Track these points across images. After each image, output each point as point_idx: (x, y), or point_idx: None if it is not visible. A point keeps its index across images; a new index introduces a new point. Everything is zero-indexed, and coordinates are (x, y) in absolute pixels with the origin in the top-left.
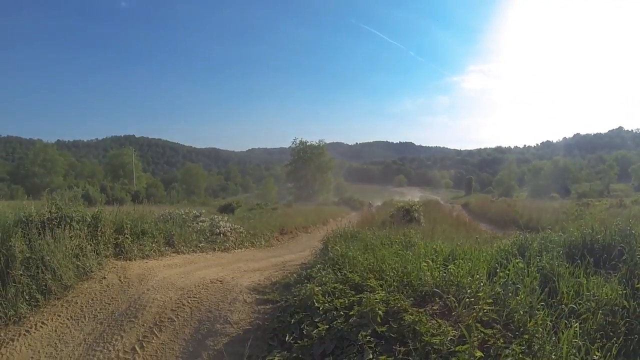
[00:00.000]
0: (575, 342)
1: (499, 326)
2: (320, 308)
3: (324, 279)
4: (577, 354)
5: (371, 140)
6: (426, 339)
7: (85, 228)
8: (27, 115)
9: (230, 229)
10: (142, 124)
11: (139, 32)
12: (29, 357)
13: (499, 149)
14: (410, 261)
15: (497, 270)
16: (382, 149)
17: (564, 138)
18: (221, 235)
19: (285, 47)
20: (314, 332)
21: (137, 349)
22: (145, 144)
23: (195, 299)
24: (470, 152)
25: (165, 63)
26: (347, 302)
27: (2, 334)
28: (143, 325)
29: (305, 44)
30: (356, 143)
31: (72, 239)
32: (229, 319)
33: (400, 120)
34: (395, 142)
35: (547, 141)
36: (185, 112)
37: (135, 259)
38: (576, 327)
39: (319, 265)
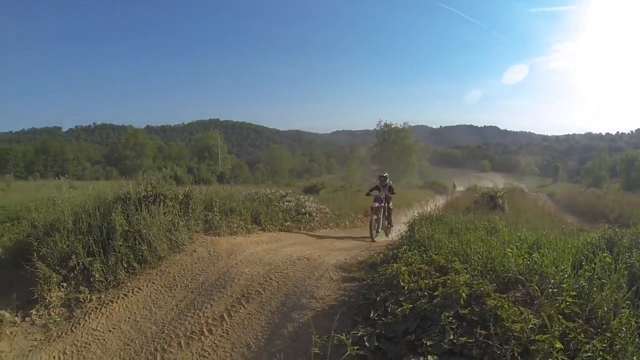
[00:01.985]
0: None
1: (580, 320)
2: (405, 287)
3: (409, 259)
4: None
5: (455, 124)
6: (507, 324)
7: (178, 205)
8: (118, 103)
9: (316, 209)
10: (226, 108)
11: (219, 20)
12: (126, 317)
13: (588, 136)
14: (495, 247)
15: (583, 263)
16: (466, 132)
17: None
18: (307, 215)
19: (366, 28)
20: (398, 310)
21: (225, 317)
22: (229, 127)
23: (282, 274)
24: (557, 138)
25: (246, 47)
26: (431, 283)
27: (103, 296)
28: (231, 296)
29: (385, 24)
30: (440, 126)
31: (166, 214)
32: (315, 294)
33: (484, 103)
34: (479, 125)
35: None
36: (269, 95)
37: (223, 235)
38: None
39: (405, 247)
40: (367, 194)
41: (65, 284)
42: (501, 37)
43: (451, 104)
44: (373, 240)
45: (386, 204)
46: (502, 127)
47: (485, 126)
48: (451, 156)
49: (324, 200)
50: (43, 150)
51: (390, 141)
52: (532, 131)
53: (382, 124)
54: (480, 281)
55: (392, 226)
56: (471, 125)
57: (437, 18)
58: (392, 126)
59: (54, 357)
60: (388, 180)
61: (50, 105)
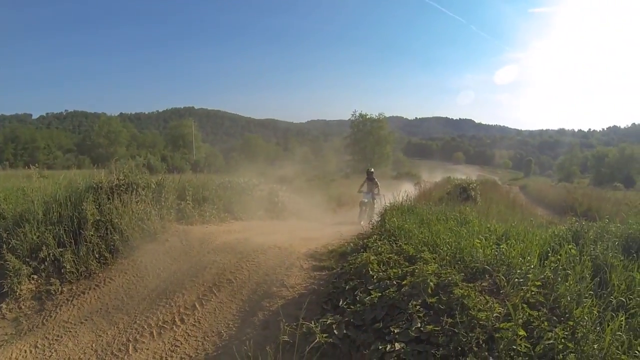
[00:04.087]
0: (620, 335)
1: (545, 309)
2: (375, 276)
3: (379, 249)
4: (620, 347)
5: (430, 116)
6: (473, 313)
7: (150, 194)
8: (90, 90)
9: (289, 199)
10: (201, 96)
11: (196, 6)
12: (98, 308)
13: (561, 132)
14: (464, 238)
15: (549, 254)
16: (442, 125)
17: (633, 124)
18: (279, 204)
19: (344, 19)
20: (367, 299)
21: (197, 305)
22: (204, 115)
23: (253, 263)
24: (531, 133)
25: (222, 36)
26: (400, 272)
27: (74, 287)
28: (203, 284)
29: (363, 15)
30: (415, 118)
31: (138, 203)
32: (285, 282)
33: (460, 96)
34: (454, 118)
35: (614, 126)
36: (244, 84)
37: (196, 224)
38: (622, 320)
39: (375, 236)
40: (359, 192)
41: (35, 276)
42: (480, 32)
43: (428, 97)
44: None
45: (372, 199)
46: (477, 121)
47: (460, 119)
48: (425, 147)
49: (298, 190)
50: (12, 139)
51: (365, 131)
52: (506, 125)
53: (357, 114)
54: (449, 271)
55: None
56: (446, 117)
57: (415, 11)
58: (367, 117)
59: (26, 351)
60: (374, 175)
61: (20, 92)
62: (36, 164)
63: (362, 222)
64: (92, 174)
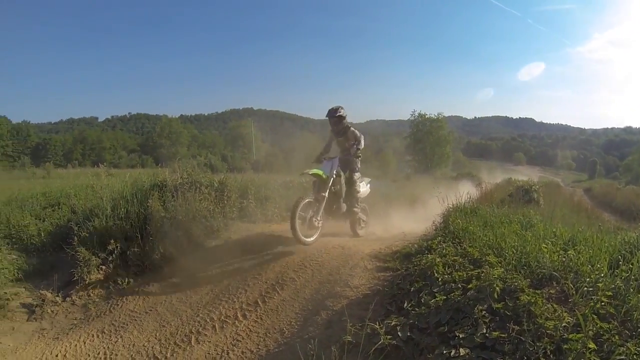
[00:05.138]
0: None
1: (615, 322)
2: (440, 279)
3: (444, 251)
4: None
5: (490, 115)
6: (540, 321)
7: (213, 192)
8: (153, 93)
9: None
10: (260, 97)
11: (259, 10)
12: (162, 300)
13: (628, 130)
14: (530, 242)
15: (620, 262)
16: (501, 124)
17: None
18: None
19: (402, 19)
20: (432, 301)
21: (260, 302)
22: (263, 116)
23: (317, 262)
24: (595, 132)
25: (282, 38)
26: (465, 275)
27: (140, 279)
28: (266, 282)
29: (418, 15)
30: (475, 117)
31: (201, 202)
32: (349, 282)
33: (519, 94)
34: (514, 117)
35: None
36: (303, 85)
37: (258, 222)
38: None
39: (439, 238)
40: (315, 162)
41: (104, 267)
42: (537, 26)
43: (487, 95)
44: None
45: (342, 173)
46: (538, 119)
47: (520, 118)
48: (485, 147)
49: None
50: (81, 140)
51: (424, 132)
52: (568, 123)
53: (416, 114)
54: (515, 276)
55: (361, 217)
56: (506, 116)
57: (475, 8)
58: (426, 116)
59: (93, 336)
60: (346, 121)
61: (87, 97)
62: (103, 163)
63: (304, 238)
64: (156, 172)
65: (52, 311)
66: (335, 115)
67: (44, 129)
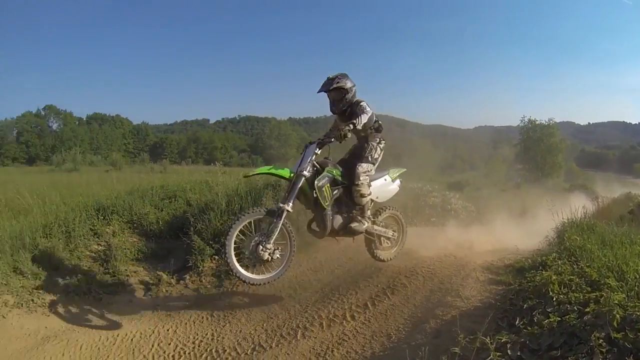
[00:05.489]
0: None
1: None
2: (555, 298)
3: (560, 268)
4: None
5: (605, 120)
6: None
7: None
8: (261, 96)
9: (462, 207)
10: (368, 100)
11: (366, 16)
12: (272, 294)
13: None
14: None
15: None
16: (619, 130)
17: None
18: (452, 212)
19: (512, 21)
20: (545, 322)
21: (369, 305)
22: None
23: (429, 270)
24: None
25: (387, 41)
26: (582, 297)
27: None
28: (377, 286)
29: (529, 16)
30: (588, 123)
31: None
32: (460, 293)
33: (639, 96)
34: (634, 122)
35: None
36: (411, 88)
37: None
38: None
39: (554, 254)
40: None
41: (217, 257)
42: None
43: (602, 98)
44: None
45: (336, 168)
46: None
47: None
48: (600, 157)
49: (469, 198)
50: (194, 140)
51: (534, 139)
52: None
53: (526, 119)
54: (637, 304)
55: (382, 233)
56: (624, 122)
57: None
58: (537, 122)
59: (202, 318)
60: (352, 93)
61: (200, 100)
62: (220, 161)
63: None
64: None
65: (167, 291)
66: (331, 88)
67: (161, 129)
